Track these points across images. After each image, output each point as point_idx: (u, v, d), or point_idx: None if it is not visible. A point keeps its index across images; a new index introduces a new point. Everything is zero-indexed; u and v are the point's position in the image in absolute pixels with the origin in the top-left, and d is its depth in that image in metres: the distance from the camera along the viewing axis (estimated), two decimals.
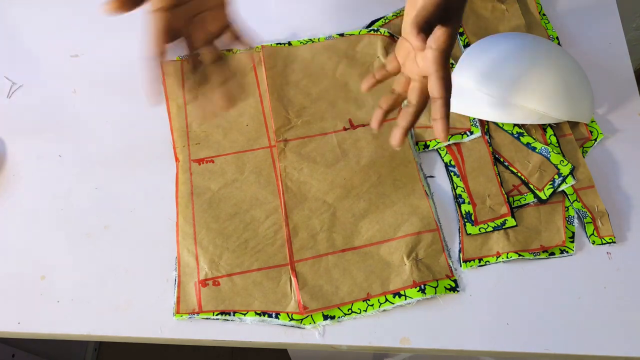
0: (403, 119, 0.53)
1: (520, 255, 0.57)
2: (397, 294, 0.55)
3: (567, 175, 0.60)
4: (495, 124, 0.65)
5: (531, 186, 0.61)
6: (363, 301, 0.55)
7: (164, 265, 0.58)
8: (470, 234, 0.59)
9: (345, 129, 0.66)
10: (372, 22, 0.76)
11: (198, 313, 0.55)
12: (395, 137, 0.53)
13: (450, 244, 0.59)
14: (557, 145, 0.63)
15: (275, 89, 0.69)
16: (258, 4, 0.76)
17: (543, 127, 0.65)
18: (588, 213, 0.59)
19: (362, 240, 0.59)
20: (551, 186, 0.60)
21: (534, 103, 0.61)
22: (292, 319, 0.54)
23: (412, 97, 0.53)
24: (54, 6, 0.79)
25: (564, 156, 0.62)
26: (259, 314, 0.55)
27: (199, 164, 0.64)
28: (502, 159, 0.63)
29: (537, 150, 0.63)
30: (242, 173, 0.63)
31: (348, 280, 0.56)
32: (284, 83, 0.69)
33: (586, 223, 0.59)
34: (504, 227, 0.59)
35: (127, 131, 0.68)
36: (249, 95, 0.69)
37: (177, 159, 0.65)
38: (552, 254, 0.57)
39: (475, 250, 0.58)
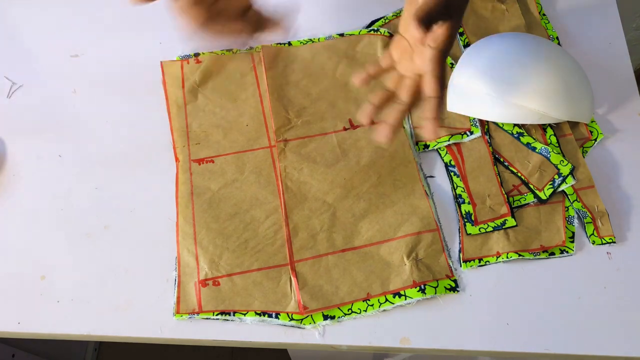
0: (390, 116, 0.53)
1: (520, 255, 0.57)
2: (397, 294, 0.55)
3: (567, 175, 0.60)
4: (495, 124, 0.65)
5: (531, 186, 0.61)
6: (363, 301, 0.55)
7: (164, 265, 0.58)
8: (470, 234, 0.59)
9: (345, 129, 0.66)
10: (372, 22, 0.76)
11: (198, 313, 0.55)
12: (381, 133, 0.53)
13: (450, 244, 0.59)
14: (557, 145, 0.63)
15: (275, 89, 0.69)
16: (258, 4, 0.76)
17: (543, 127, 0.65)
18: (588, 213, 0.59)
19: (362, 240, 0.59)
20: (551, 186, 0.60)
21: (534, 103, 0.61)
22: (292, 319, 0.54)
23: (403, 94, 0.53)
24: (54, 6, 0.79)
25: (564, 156, 0.62)
26: (259, 314, 0.55)
27: (199, 164, 0.64)
28: (502, 159, 0.63)
29: (537, 150, 0.63)
30: (242, 173, 0.63)
31: (348, 280, 0.56)
32: (284, 83, 0.69)
33: (586, 223, 0.59)
34: (504, 227, 0.59)
35: (127, 131, 0.68)
36: (249, 94, 0.69)
37: (177, 159, 0.65)
38: (552, 254, 0.57)
39: (475, 250, 0.58)
